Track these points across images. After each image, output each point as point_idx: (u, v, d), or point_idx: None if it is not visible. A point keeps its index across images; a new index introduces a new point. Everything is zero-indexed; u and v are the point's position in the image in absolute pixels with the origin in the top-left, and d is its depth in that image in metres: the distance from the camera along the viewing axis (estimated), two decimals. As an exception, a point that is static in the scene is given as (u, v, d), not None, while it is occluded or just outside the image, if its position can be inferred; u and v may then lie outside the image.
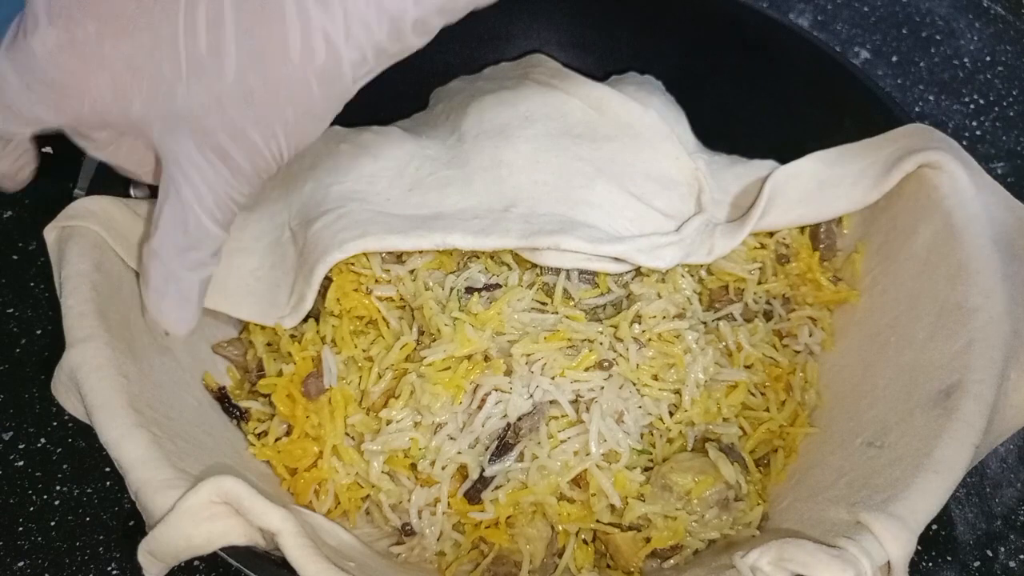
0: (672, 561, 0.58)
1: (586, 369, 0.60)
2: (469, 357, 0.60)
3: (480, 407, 0.58)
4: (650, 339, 0.62)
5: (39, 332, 0.75)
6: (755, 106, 0.78)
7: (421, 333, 0.62)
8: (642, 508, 0.57)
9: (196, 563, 0.64)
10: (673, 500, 0.57)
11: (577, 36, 0.86)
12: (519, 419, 0.58)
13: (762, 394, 0.64)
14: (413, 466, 0.59)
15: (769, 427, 0.62)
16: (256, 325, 0.66)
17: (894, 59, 1.00)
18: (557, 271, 0.64)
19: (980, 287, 0.57)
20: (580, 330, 0.62)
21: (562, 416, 0.59)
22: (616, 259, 0.63)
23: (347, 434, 0.60)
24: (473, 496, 0.58)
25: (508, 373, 0.59)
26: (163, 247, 0.50)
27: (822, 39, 0.83)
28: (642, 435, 0.60)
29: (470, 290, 0.63)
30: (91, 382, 0.51)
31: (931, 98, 0.97)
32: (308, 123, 0.46)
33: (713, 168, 0.73)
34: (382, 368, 0.61)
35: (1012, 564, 0.67)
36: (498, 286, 0.64)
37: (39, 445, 0.70)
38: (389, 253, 0.64)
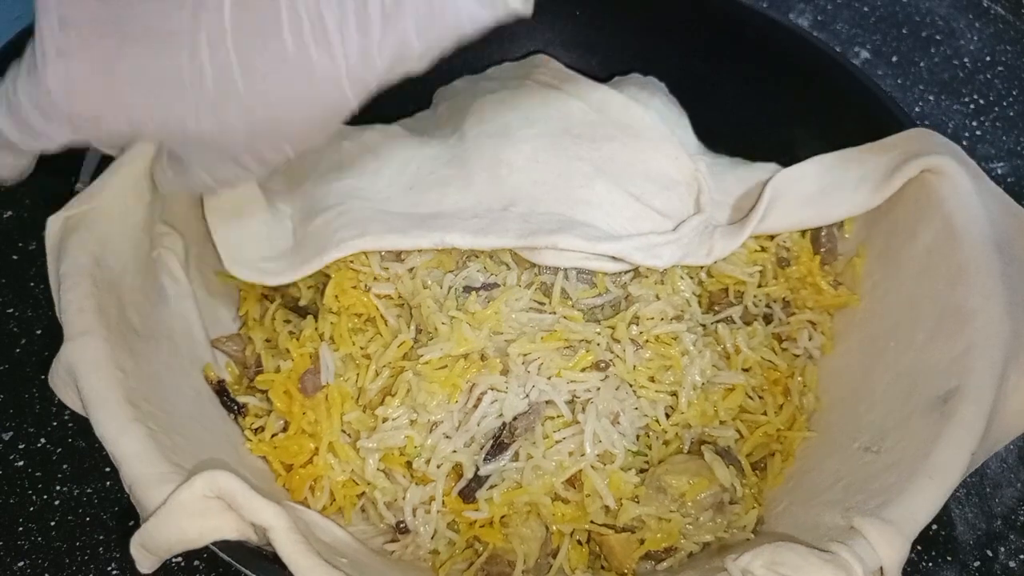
0: (666, 563, 0.58)
1: (583, 370, 0.60)
2: (466, 356, 0.60)
3: (476, 406, 0.58)
4: (647, 340, 0.62)
5: (39, 332, 0.75)
6: (756, 106, 0.78)
7: (419, 331, 0.62)
8: (636, 510, 0.57)
9: (196, 563, 0.65)
10: (667, 502, 0.57)
11: (581, 37, 0.86)
12: (515, 418, 0.58)
13: (760, 397, 0.64)
14: (409, 464, 0.59)
15: (766, 431, 0.62)
16: (255, 321, 0.67)
17: (894, 59, 1.00)
18: (555, 271, 0.64)
19: (980, 290, 0.57)
20: (577, 330, 0.62)
21: (558, 416, 0.59)
22: (614, 258, 0.63)
23: (343, 431, 0.60)
24: (468, 495, 0.58)
25: (504, 372, 0.59)
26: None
27: (822, 39, 0.83)
28: (638, 436, 0.60)
29: (468, 289, 0.63)
30: (88, 377, 0.51)
31: (931, 98, 0.97)
32: (314, 134, 0.48)
33: (715, 170, 0.73)
34: (379, 366, 0.61)
35: (1012, 564, 0.67)
36: (496, 285, 0.64)
37: (39, 445, 0.70)
38: (388, 251, 0.65)
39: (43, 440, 0.71)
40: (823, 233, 0.70)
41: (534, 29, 0.86)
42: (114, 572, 0.64)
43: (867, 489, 0.53)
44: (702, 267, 0.67)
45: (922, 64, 1.00)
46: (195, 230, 0.65)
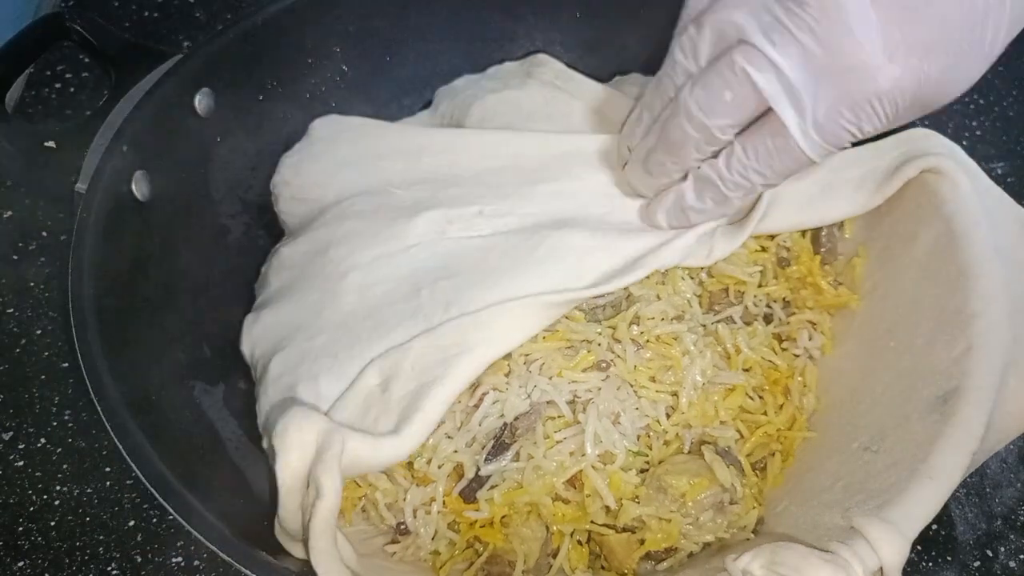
0: (666, 563, 0.58)
1: (584, 370, 0.60)
2: (467, 356, 0.60)
3: (477, 406, 0.58)
4: (648, 341, 0.62)
5: (39, 332, 0.75)
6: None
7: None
8: (637, 510, 0.57)
9: (196, 563, 0.65)
10: (668, 502, 0.57)
11: (582, 36, 0.86)
12: (516, 419, 0.58)
13: (760, 397, 0.64)
14: (410, 464, 0.59)
15: (767, 431, 0.62)
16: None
17: (895, 60, 1.00)
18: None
19: (980, 293, 0.57)
20: (579, 331, 0.62)
21: (559, 416, 0.59)
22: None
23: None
24: (468, 495, 0.58)
25: (506, 373, 0.59)
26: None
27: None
28: (638, 437, 0.60)
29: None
30: None
31: (931, 98, 0.97)
32: None
33: (715, 170, 0.72)
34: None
35: (1012, 564, 0.67)
36: (497, 285, 0.64)
37: (39, 445, 0.70)
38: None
39: (43, 440, 0.71)
40: (823, 233, 0.70)
41: (534, 29, 0.86)
42: (114, 572, 0.64)
43: (867, 489, 0.53)
44: (703, 267, 0.67)
45: (922, 64, 0.99)
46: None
